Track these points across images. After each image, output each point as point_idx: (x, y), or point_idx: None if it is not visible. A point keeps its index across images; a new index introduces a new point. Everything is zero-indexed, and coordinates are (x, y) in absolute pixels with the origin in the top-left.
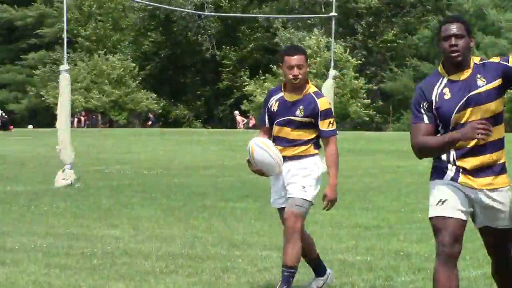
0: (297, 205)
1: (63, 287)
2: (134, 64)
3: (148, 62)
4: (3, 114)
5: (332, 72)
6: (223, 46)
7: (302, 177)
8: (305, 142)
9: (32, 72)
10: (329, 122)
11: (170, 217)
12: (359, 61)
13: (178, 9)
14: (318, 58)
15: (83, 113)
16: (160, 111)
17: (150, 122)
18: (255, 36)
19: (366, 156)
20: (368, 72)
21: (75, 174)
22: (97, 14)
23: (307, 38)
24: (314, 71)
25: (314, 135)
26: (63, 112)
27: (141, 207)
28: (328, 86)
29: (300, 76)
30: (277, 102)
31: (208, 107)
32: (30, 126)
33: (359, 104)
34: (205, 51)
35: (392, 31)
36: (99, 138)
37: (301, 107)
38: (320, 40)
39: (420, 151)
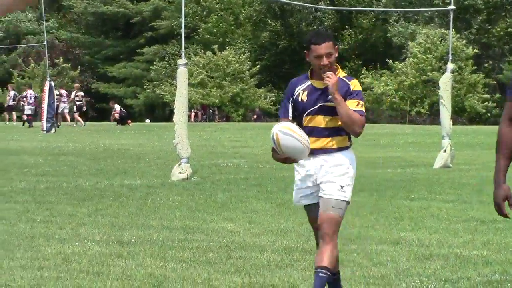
0: (334, 207)
1: (179, 280)
2: (248, 59)
3: (264, 55)
4: (122, 109)
5: (450, 66)
6: (339, 37)
7: (338, 176)
8: (339, 131)
9: (149, 66)
10: (358, 103)
11: (285, 210)
12: (476, 51)
13: (294, 2)
14: (434, 53)
15: (200, 108)
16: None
17: (255, 116)
18: (371, 28)
19: (484, 150)
20: (486, 66)
21: (191, 168)
22: (217, 9)
23: (420, 31)
24: (429, 67)
25: None
26: (180, 107)
27: (256, 201)
28: (445, 80)
29: (330, 65)
30: (305, 91)
31: None
32: (148, 121)
33: (476, 98)
34: None
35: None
36: (215, 132)
37: None
38: (436, 33)
39: None
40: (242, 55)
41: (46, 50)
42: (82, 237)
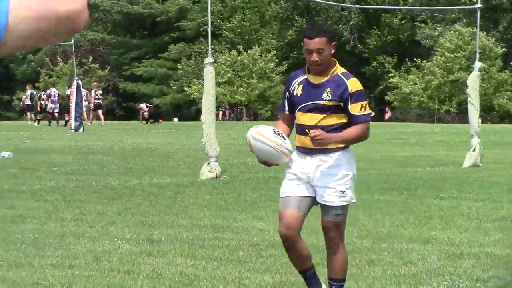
0: (337, 214)
1: (209, 279)
2: (275, 57)
3: (290, 53)
4: (148, 105)
5: (478, 64)
6: (365, 36)
7: (338, 180)
8: (333, 131)
9: (175, 65)
10: (361, 106)
11: (314, 209)
12: (504, 50)
13: (320, 1)
14: (463, 52)
15: (228, 106)
16: None
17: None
18: (397, 27)
19: None
20: None
21: (220, 166)
22: (242, 8)
23: (447, 32)
24: (458, 66)
25: (344, 122)
26: (207, 105)
27: None
28: (473, 78)
29: (319, 62)
30: (300, 86)
31: None
32: (176, 119)
33: (505, 97)
34: (346, 41)
35: None
36: (243, 130)
37: (328, 89)
38: (464, 32)
39: None
40: (268, 53)
41: (73, 49)
42: (112, 235)
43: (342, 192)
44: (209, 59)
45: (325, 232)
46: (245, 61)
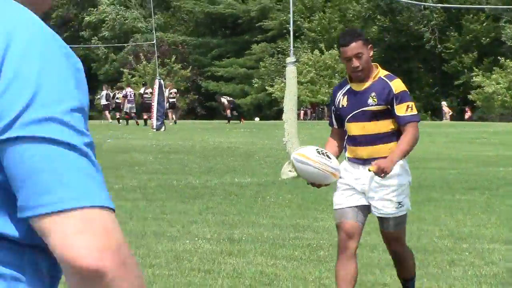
0: (397, 224)
1: (289, 279)
2: None
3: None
4: (230, 99)
5: None
6: (445, 37)
7: (394, 191)
8: (387, 138)
9: (257, 65)
10: (407, 106)
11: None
12: None
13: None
14: None
15: (309, 106)
16: None
17: None
18: (480, 27)
19: None
20: None
21: None
22: (323, 6)
23: None
24: None
25: (393, 126)
26: (289, 104)
27: None
28: None
29: (360, 67)
30: (345, 96)
31: (432, 98)
32: (257, 119)
33: None
34: (427, 41)
35: None
36: (325, 130)
37: (372, 94)
38: None
39: None
40: None
41: (156, 48)
42: (193, 234)
43: (399, 203)
44: (291, 58)
45: (387, 244)
46: (327, 61)
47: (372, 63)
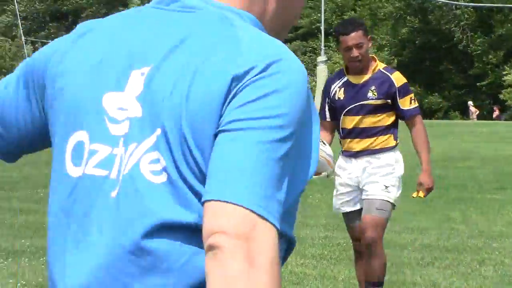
0: (378, 208)
1: (319, 278)
2: (387, 55)
3: (403, 51)
4: None
5: None
6: (476, 36)
7: (383, 176)
8: (383, 131)
9: None
10: (410, 99)
11: (426, 208)
12: None
13: None
14: None
15: None
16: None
17: None
18: (510, 25)
19: None
20: None
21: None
22: (354, 5)
23: None
24: None
25: (392, 120)
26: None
27: None
28: None
29: (360, 57)
30: (342, 88)
31: (462, 97)
32: None
33: None
34: (458, 41)
35: None
36: None
37: (372, 87)
38: None
39: None
40: (381, 52)
41: None
42: None
43: (386, 186)
44: (322, 57)
45: (364, 230)
46: None
47: (370, 55)
